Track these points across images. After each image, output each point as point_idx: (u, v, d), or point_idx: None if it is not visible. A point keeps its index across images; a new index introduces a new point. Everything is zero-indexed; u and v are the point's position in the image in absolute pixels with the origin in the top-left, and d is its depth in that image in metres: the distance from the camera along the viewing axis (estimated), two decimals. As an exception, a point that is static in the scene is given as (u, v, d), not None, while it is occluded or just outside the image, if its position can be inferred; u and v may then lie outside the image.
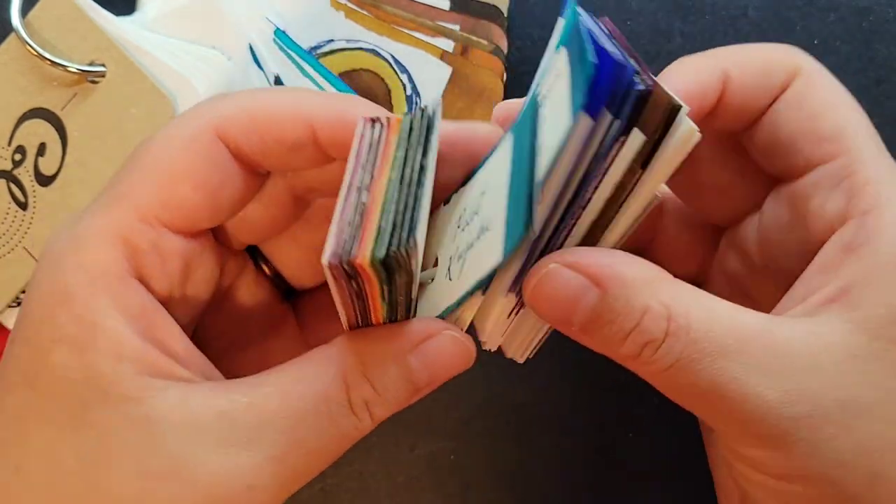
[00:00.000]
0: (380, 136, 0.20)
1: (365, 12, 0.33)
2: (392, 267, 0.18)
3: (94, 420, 0.19)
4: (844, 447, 0.19)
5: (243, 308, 0.26)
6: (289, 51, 0.32)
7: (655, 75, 0.19)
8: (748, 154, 0.24)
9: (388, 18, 0.33)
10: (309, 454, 0.20)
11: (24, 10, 0.30)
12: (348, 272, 0.18)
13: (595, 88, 0.17)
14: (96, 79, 0.30)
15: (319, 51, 0.32)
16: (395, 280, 0.19)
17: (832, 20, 0.33)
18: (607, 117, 0.18)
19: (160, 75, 0.30)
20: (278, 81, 0.32)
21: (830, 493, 0.19)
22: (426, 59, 0.33)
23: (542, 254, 0.21)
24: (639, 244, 0.28)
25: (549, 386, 0.32)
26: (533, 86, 0.22)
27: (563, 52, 0.19)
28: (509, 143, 0.21)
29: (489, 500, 0.32)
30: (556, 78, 0.19)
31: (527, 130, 0.20)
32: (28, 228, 0.31)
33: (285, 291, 0.27)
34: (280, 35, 0.32)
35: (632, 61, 0.18)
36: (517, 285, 0.21)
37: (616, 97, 0.18)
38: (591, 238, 0.21)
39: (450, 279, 0.22)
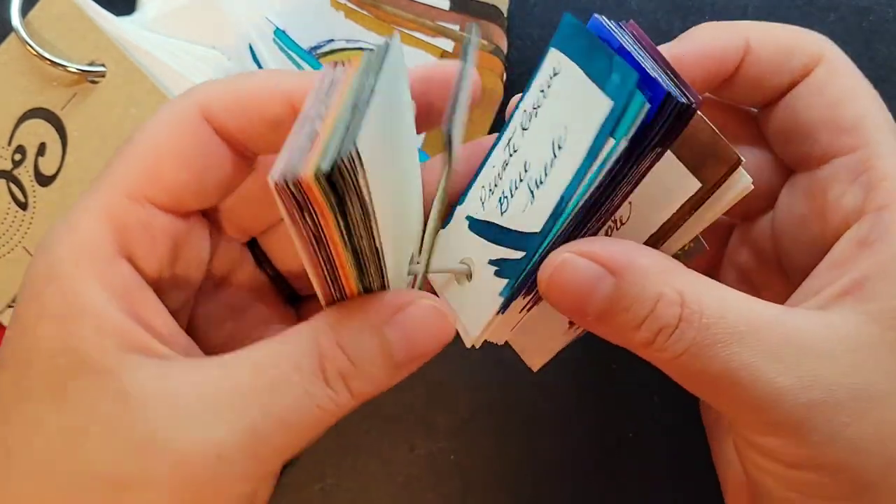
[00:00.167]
0: (341, 75, 0.20)
1: (365, 12, 0.33)
2: (338, 185, 0.17)
3: (73, 392, 0.19)
4: (859, 434, 0.19)
5: (242, 305, 0.26)
6: (289, 51, 0.32)
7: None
8: (766, 148, 0.24)
9: (388, 18, 0.33)
10: (282, 425, 0.19)
11: (24, 10, 0.30)
12: (298, 199, 0.18)
13: (643, 124, 0.18)
14: (96, 79, 0.30)
15: (319, 51, 0.32)
16: (349, 210, 0.18)
17: (832, 20, 0.33)
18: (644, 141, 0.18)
19: (160, 75, 0.30)
20: (278, 81, 0.32)
21: (845, 480, 0.19)
22: (426, 59, 0.33)
23: None
24: None
25: (549, 386, 0.32)
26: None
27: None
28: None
29: (489, 500, 0.32)
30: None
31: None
32: (28, 228, 0.31)
33: (290, 296, 0.27)
34: (280, 35, 0.32)
35: (670, 82, 0.18)
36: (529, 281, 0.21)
37: (659, 125, 0.18)
38: None
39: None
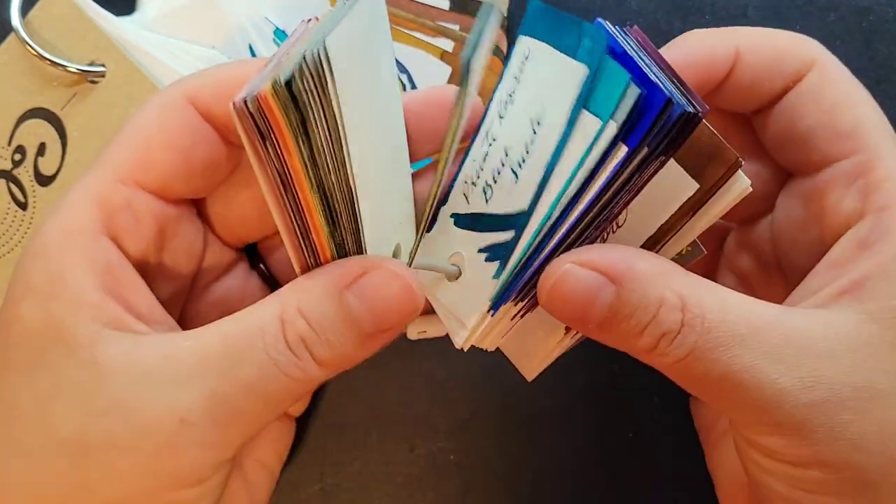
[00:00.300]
0: (312, 26, 0.20)
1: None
2: (300, 97, 0.17)
3: (48, 364, 0.20)
4: (861, 433, 0.19)
5: (235, 306, 0.26)
6: (289, 51, 0.32)
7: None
8: (763, 152, 0.24)
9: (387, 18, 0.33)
10: (246, 390, 0.19)
11: (24, 10, 0.30)
12: (258, 123, 0.17)
13: (642, 126, 0.18)
14: (96, 79, 0.30)
15: (319, 51, 0.32)
16: (312, 131, 0.17)
17: (832, 20, 0.33)
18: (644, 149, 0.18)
19: (160, 75, 0.30)
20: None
21: (848, 477, 0.19)
22: (426, 59, 0.33)
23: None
24: None
25: (549, 386, 0.32)
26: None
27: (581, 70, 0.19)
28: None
29: (489, 500, 0.32)
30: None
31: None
32: (28, 228, 0.31)
33: None
34: (280, 35, 0.32)
35: (675, 89, 0.18)
36: (518, 298, 0.21)
37: (659, 129, 0.18)
38: None
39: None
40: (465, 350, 0.23)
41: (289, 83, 0.17)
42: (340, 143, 0.18)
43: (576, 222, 0.20)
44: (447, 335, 0.24)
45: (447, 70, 0.33)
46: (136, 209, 0.22)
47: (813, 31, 0.32)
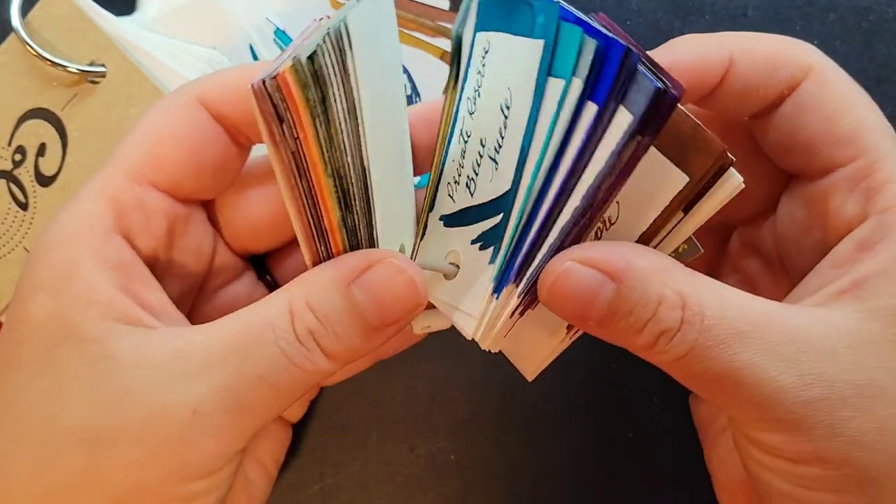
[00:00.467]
0: (322, 23, 0.20)
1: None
2: (322, 72, 0.17)
3: (57, 358, 0.20)
4: (862, 430, 0.19)
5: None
6: (289, 51, 0.32)
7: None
8: (763, 153, 0.24)
9: (388, 18, 0.33)
10: (256, 382, 0.20)
11: (24, 11, 0.30)
12: (275, 105, 0.17)
13: (606, 76, 0.18)
14: (96, 79, 0.30)
15: (319, 51, 0.32)
16: (330, 106, 0.17)
17: (832, 20, 0.33)
18: (611, 107, 0.18)
19: (160, 75, 0.30)
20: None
21: (850, 474, 0.19)
22: (426, 59, 0.33)
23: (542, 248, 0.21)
24: None
25: (549, 386, 0.32)
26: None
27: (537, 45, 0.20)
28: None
29: (489, 500, 0.32)
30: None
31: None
32: (28, 229, 0.31)
33: None
34: (280, 35, 0.32)
35: (648, 71, 0.18)
36: (519, 279, 0.21)
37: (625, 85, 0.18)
38: None
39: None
40: (476, 340, 0.23)
41: (311, 57, 0.17)
42: (358, 122, 0.18)
43: (561, 191, 0.20)
44: (453, 327, 0.24)
45: (447, 70, 0.33)
46: (147, 207, 0.22)
47: (813, 31, 0.32)
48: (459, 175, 0.23)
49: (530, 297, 0.21)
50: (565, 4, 0.20)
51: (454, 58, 0.18)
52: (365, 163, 0.19)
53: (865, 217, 0.21)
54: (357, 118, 0.18)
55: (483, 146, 0.22)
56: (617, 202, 0.21)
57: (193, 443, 0.19)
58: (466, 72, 0.22)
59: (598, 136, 0.19)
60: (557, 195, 0.20)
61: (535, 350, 0.24)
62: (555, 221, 0.20)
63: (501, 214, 0.21)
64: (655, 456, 0.32)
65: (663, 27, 0.33)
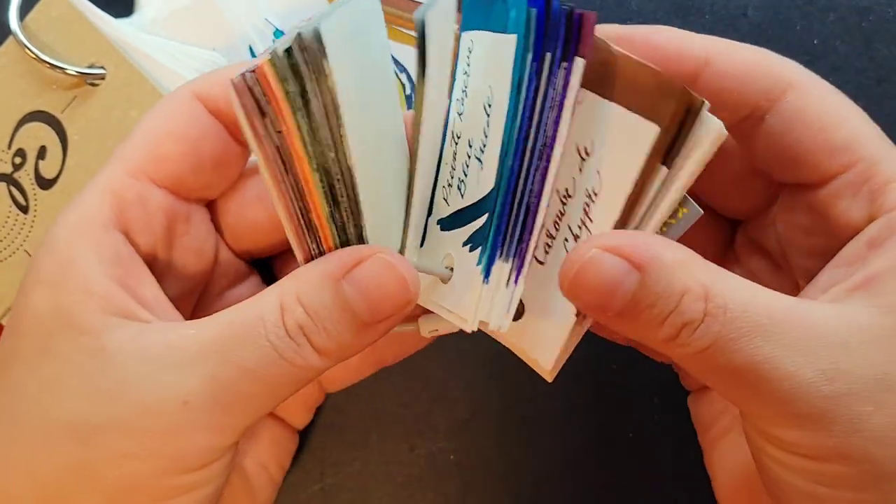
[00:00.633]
0: None
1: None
2: (299, 68, 0.17)
3: (55, 351, 0.20)
4: (882, 425, 0.19)
5: None
6: (288, 52, 0.32)
7: None
8: (748, 149, 0.24)
9: (387, 18, 0.32)
10: (247, 375, 0.20)
11: (23, 13, 0.30)
12: (257, 98, 0.17)
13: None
14: (96, 81, 0.30)
15: (318, 52, 0.32)
16: (309, 101, 0.18)
17: (832, 20, 0.32)
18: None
19: (160, 77, 0.30)
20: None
21: (869, 470, 0.19)
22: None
23: (526, 208, 0.21)
24: None
25: (549, 386, 0.32)
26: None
27: None
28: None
29: (489, 500, 0.32)
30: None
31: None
32: (29, 232, 0.31)
33: None
34: (279, 36, 0.32)
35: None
36: (503, 248, 0.21)
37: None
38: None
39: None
40: (475, 331, 0.23)
41: (288, 51, 0.17)
42: (339, 120, 0.18)
43: (520, 149, 0.20)
44: (461, 330, 0.24)
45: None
46: (147, 203, 0.22)
47: (813, 31, 0.32)
48: (452, 178, 0.23)
49: (520, 257, 0.21)
50: None
51: (419, 46, 0.18)
52: (349, 161, 0.19)
53: (872, 219, 0.21)
54: (339, 118, 0.18)
55: (471, 147, 0.22)
56: (598, 172, 0.21)
57: (184, 435, 0.20)
58: (454, 76, 0.22)
59: (540, 84, 0.19)
60: (520, 151, 0.20)
61: (547, 343, 0.23)
62: (527, 179, 0.20)
63: (486, 215, 0.21)
64: (655, 456, 0.32)
65: (663, 27, 0.33)
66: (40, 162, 0.31)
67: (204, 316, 0.25)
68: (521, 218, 0.21)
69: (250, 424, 0.21)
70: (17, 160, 0.31)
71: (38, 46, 0.30)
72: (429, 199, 0.24)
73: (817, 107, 0.22)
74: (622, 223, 0.21)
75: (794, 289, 0.23)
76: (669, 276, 0.19)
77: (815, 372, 0.19)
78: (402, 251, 0.23)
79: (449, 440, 0.32)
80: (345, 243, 0.21)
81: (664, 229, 0.22)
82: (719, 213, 0.27)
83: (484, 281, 0.22)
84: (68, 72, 0.30)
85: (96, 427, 0.19)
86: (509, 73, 0.20)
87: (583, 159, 0.21)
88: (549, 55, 0.19)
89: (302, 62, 0.17)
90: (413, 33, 0.33)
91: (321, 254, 0.21)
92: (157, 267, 0.23)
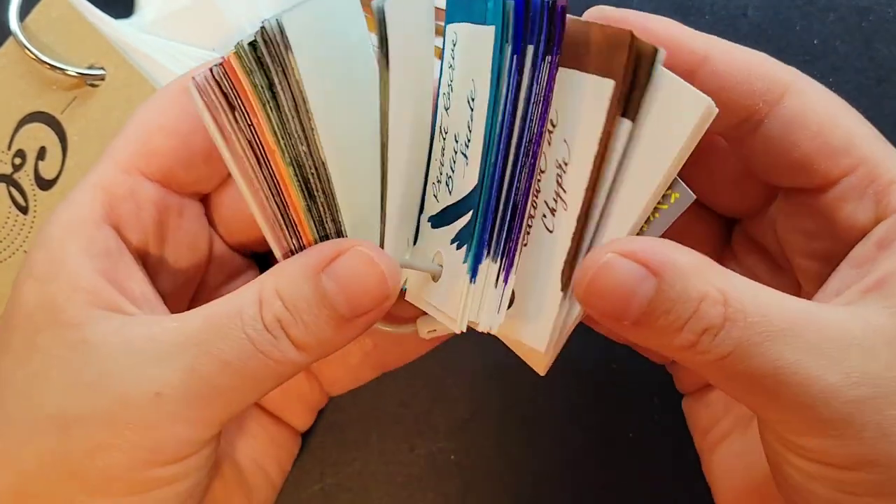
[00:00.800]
0: None
1: (364, 13, 0.32)
2: (264, 60, 0.17)
3: (41, 344, 0.20)
4: None
5: None
6: (287, 52, 0.32)
7: None
8: (741, 152, 0.24)
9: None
10: (223, 367, 0.20)
11: (23, 14, 0.30)
12: (225, 92, 0.17)
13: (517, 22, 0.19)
14: (96, 82, 0.30)
15: (318, 52, 0.32)
16: (279, 96, 0.18)
17: (832, 20, 0.32)
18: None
19: (160, 78, 0.30)
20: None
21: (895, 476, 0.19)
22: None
23: (513, 197, 0.21)
24: None
25: (549, 386, 0.32)
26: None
27: None
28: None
29: (489, 500, 0.32)
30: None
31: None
32: (29, 232, 0.31)
33: None
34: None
35: None
36: (491, 246, 0.21)
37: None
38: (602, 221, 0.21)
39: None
40: (464, 331, 0.22)
41: (252, 44, 0.17)
42: (308, 114, 0.18)
43: (503, 144, 0.20)
44: (461, 337, 0.23)
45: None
46: (138, 197, 0.22)
47: (813, 31, 0.32)
48: (441, 174, 0.23)
49: (510, 256, 0.21)
50: None
51: (380, 34, 0.18)
52: (321, 154, 0.19)
53: (879, 220, 0.21)
54: (308, 111, 0.18)
55: (457, 142, 0.22)
56: (565, 141, 0.21)
57: (159, 427, 0.20)
58: (441, 69, 0.22)
59: (522, 79, 0.19)
60: (506, 148, 0.20)
61: (539, 324, 0.23)
62: (513, 176, 0.20)
63: (471, 211, 0.21)
64: (655, 456, 0.32)
65: (663, 27, 0.33)
66: (40, 163, 0.31)
67: None
68: (508, 216, 0.21)
69: (229, 418, 0.21)
70: (17, 161, 0.31)
71: (38, 47, 0.30)
72: (417, 194, 0.24)
73: (816, 110, 0.21)
74: (592, 187, 0.21)
75: (795, 289, 0.23)
76: (685, 281, 0.19)
77: (839, 376, 0.18)
78: (382, 246, 0.23)
79: (449, 440, 0.32)
80: (324, 238, 0.21)
81: (656, 215, 0.21)
82: (715, 211, 0.26)
83: (471, 281, 0.21)
84: (68, 72, 0.30)
85: (76, 418, 0.20)
86: (489, 66, 0.20)
87: (549, 132, 0.21)
88: (531, 48, 0.19)
89: (266, 55, 0.17)
90: (436, 42, 0.33)
91: (302, 249, 0.21)
92: (150, 261, 0.23)
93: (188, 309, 0.25)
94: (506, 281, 0.22)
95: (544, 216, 0.22)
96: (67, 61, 0.30)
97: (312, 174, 0.19)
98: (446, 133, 0.22)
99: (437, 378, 0.33)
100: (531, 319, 0.22)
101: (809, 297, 0.22)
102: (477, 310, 0.22)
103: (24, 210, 0.31)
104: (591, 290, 0.19)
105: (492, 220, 0.21)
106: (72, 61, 0.30)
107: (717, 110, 0.19)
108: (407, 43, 0.20)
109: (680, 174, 0.21)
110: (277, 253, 0.21)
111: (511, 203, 0.21)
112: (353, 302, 0.20)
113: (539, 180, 0.22)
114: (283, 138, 0.18)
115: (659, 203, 0.21)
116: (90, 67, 0.30)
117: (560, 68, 0.20)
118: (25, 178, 0.31)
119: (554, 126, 0.21)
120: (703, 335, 0.19)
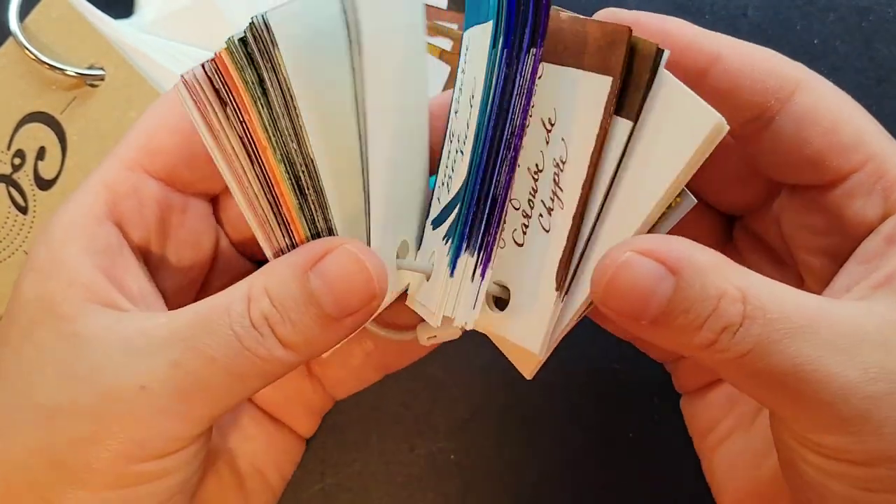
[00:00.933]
0: None
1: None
2: (254, 56, 0.17)
3: (35, 337, 0.20)
4: None
5: None
6: (287, 52, 0.32)
7: None
8: (743, 143, 0.24)
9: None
10: (208, 363, 0.20)
11: (22, 14, 0.30)
12: (216, 88, 0.18)
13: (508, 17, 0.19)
14: (95, 82, 0.30)
15: (318, 52, 0.32)
16: (270, 92, 0.18)
17: (832, 20, 0.32)
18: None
19: (159, 78, 0.30)
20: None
21: None
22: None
23: (493, 193, 0.21)
24: None
25: (549, 386, 0.32)
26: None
27: None
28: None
29: (489, 500, 0.32)
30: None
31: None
32: (28, 232, 0.31)
33: None
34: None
35: None
36: (469, 240, 0.21)
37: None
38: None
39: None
40: (440, 325, 0.22)
41: (242, 40, 0.17)
42: (296, 111, 0.18)
43: (490, 138, 0.20)
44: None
45: (446, 69, 0.33)
46: (140, 195, 0.22)
47: (813, 31, 0.32)
48: (445, 176, 0.23)
49: (487, 251, 0.21)
50: None
51: (350, 14, 0.19)
52: (310, 151, 0.19)
53: (888, 215, 0.21)
54: (296, 108, 0.18)
55: (458, 141, 0.22)
56: (562, 139, 0.21)
57: (145, 421, 0.20)
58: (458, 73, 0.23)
59: (510, 73, 0.19)
60: (490, 141, 0.20)
61: (533, 326, 0.22)
62: (494, 168, 0.20)
63: (458, 206, 0.21)
64: (655, 456, 0.32)
65: (663, 27, 0.33)
66: (39, 163, 0.31)
67: None
68: (486, 210, 0.21)
69: (217, 415, 0.21)
70: (17, 161, 0.31)
71: (38, 47, 0.30)
72: (412, 194, 0.24)
73: (827, 106, 0.21)
74: (589, 184, 0.21)
75: (797, 285, 0.23)
76: (703, 279, 0.19)
77: (858, 372, 0.18)
78: (369, 244, 0.23)
79: (449, 440, 0.32)
80: (316, 236, 0.21)
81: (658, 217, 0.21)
82: (716, 207, 0.26)
83: (450, 275, 0.21)
84: (68, 73, 0.30)
85: (63, 411, 0.20)
86: (485, 57, 0.20)
87: (548, 131, 0.21)
88: (518, 40, 0.19)
89: (256, 51, 0.17)
90: (435, 42, 0.33)
91: (294, 247, 0.21)
92: (152, 258, 0.23)
93: None
94: (482, 275, 0.21)
95: (541, 216, 0.22)
96: (67, 61, 0.30)
97: (303, 172, 0.19)
98: (453, 135, 0.22)
99: (437, 378, 0.33)
100: (525, 320, 0.22)
101: (812, 293, 0.22)
102: (453, 304, 0.22)
103: (23, 210, 0.31)
104: (610, 289, 0.19)
105: (473, 213, 0.21)
106: (71, 61, 0.30)
107: (727, 127, 0.19)
108: (385, 34, 0.20)
109: None
110: (268, 251, 0.21)
111: (491, 196, 0.20)
112: (340, 301, 0.20)
113: (536, 179, 0.22)
114: (274, 135, 0.19)
115: None
116: (90, 67, 0.30)
117: (558, 66, 0.20)
118: (25, 178, 0.31)
119: (552, 125, 0.21)
120: (723, 333, 0.19)
